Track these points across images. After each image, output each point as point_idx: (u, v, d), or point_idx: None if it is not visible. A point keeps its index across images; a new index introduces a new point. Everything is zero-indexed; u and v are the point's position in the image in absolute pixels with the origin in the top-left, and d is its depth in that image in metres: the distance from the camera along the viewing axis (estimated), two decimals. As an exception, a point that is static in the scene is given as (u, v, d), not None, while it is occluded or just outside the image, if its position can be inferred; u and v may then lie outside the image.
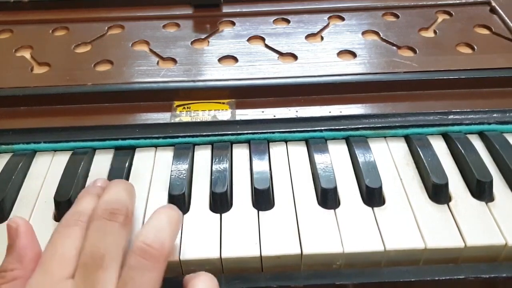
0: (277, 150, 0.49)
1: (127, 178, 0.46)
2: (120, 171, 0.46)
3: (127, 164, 0.47)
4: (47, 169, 0.48)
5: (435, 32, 0.63)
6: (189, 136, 0.49)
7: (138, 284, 0.33)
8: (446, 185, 0.43)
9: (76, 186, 0.44)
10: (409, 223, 0.41)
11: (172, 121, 0.51)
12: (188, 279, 0.36)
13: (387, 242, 0.40)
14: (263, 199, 0.43)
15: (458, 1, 0.68)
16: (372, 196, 0.43)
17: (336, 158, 0.47)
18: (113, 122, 0.51)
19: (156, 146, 0.49)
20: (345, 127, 0.50)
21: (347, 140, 0.49)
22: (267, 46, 0.61)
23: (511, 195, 0.44)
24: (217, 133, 0.49)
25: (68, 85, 0.55)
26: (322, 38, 0.62)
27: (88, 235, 0.35)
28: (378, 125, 0.50)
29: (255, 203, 0.43)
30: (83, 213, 0.37)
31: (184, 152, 0.48)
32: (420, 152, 0.47)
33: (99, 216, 0.36)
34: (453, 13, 0.66)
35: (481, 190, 0.43)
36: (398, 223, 0.41)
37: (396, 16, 0.66)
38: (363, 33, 0.63)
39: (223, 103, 0.53)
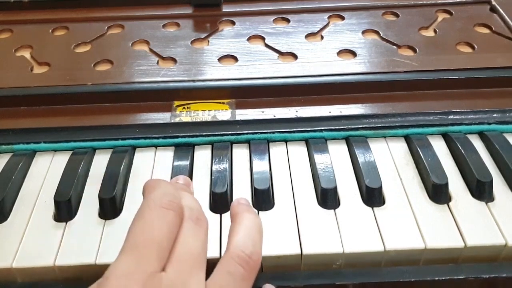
0: (277, 150, 0.49)
1: (127, 178, 0.46)
2: (119, 171, 0.46)
3: (127, 164, 0.47)
4: (47, 169, 0.48)
5: (435, 31, 0.63)
6: (189, 136, 0.49)
7: None
8: (446, 185, 0.43)
9: (76, 186, 0.44)
10: (409, 223, 0.41)
11: (172, 121, 0.51)
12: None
13: (387, 242, 0.40)
14: (263, 199, 0.43)
15: (458, 0, 0.68)
16: (372, 196, 0.43)
17: (336, 158, 0.47)
18: (113, 122, 0.51)
19: (156, 146, 0.49)
20: (345, 127, 0.50)
21: (347, 140, 0.49)
22: (267, 45, 0.61)
23: (511, 195, 0.44)
24: (217, 133, 0.49)
25: (68, 85, 0.55)
26: (322, 37, 0.62)
27: (182, 231, 0.33)
28: (378, 125, 0.50)
29: (255, 203, 0.43)
30: (173, 195, 0.35)
31: (184, 152, 0.48)
32: (420, 152, 0.47)
33: (188, 217, 0.35)
34: (453, 12, 0.66)
35: (481, 190, 0.43)
36: (398, 223, 0.41)
37: (396, 15, 0.66)
38: (363, 32, 0.63)
39: (223, 103, 0.53)
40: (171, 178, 0.45)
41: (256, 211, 0.38)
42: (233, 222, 0.36)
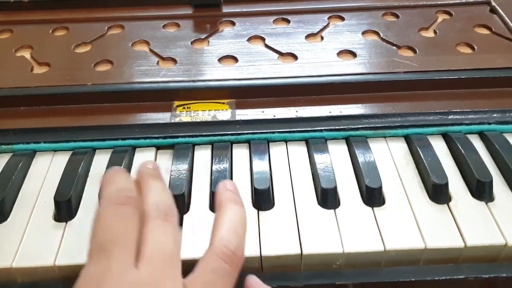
0: (277, 150, 0.49)
1: (127, 178, 0.46)
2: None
3: (127, 164, 0.47)
4: (47, 169, 0.48)
5: (435, 32, 0.63)
6: (189, 136, 0.49)
7: None
8: (446, 185, 0.43)
9: (76, 186, 0.44)
10: (409, 223, 0.41)
11: (172, 121, 0.51)
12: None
13: (387, 242, 0.40)
14: (263, 199, 0.43)
15: (458, 1, 0.68)
16: (372, 196, 0.43)
17: (336, 158, 0.47)
18: (113, 122, 0.51)
19: (156, 146, 0.49)
20: (345, 127, 0.50)
21: (347, 140, 0.49)
22: (267, 46, 0.61)
23: (511, 195, 0.44)
24: (217, 133, 0.49)
25: (68, 85, 0.55)
26: (322, 38, 0.62)
27: (147, 230, 0.32)
28: (378, 125, 0.50)
29: (255, 203, 0.43)
30: (129, 189, 0.34)
31: (184, 152, 0.48)
32: (420, 152, 0.47)
33: (155, 216, 0.33)
34: (453, 13, 0.66)
35: (481, 190, 0.43)
36: (398, 223, 0.41)
37: (396, 16, 0.66)
38: (363, 33, 0.63)
39: (223, 103, 0.53)
40: (171, 178, 0.45)
41: (241, 200, 0.37)
42: (218, 212, 0.35)
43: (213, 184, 0.44)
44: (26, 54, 0.61)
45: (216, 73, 0.56)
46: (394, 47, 0.60)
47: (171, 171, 0.45)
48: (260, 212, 0.43)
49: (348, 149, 0.49)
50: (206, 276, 0.32)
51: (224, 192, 0.37)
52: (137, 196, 0.34)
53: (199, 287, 0.31)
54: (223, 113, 0.52)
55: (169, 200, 0.35)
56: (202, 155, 0.48)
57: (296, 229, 0.41)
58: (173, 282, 0.30)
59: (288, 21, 0.66)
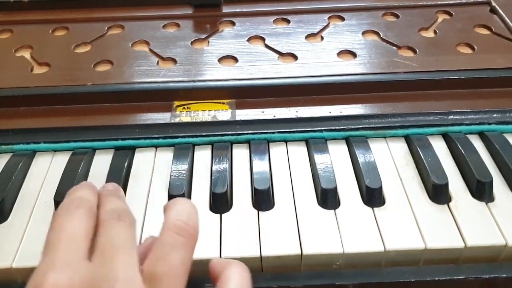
0: (277, 150, 0.49)
1: (127, 178, 0.46)
2: (120, 171, 0.46)
3: (126, 164, 0.47)
4: (47, 169, 0.48)
5: (435, 32, 0.63)
6: (189, 136, 0.49)
7: (174, 262, 0.31)
8: (446, 185, 0.43)
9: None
10: (409, 223, 0.41)
11: (172, 121, 0.51)
12: (218, 266, 0.35)
13: (387, 243, 0.40)
14: (263, 199, 0.43)
15: (458, 1, 0.68)
16: (372, 196, 0.43)
17: (336, 158, 0.47)
18: (113, 122, 0.51)
19: (156, 146, 0.49)
20: (345, 127, 0.50)
21: (347, 140, 0.49)
22: (267, 46, 0.61)
23: (511, 195, 0.44)
24: (217, 133, 0.49)
25: (68, 85, 0.55)
26: (322, 38, 0.62)
27: (101, 229, 0.33)
28: (378, 125, 0.50)
29: (255, 203, 0.43)
30: (83, 198, 0.35)
31: (184, 152, 0.48)
32: (420, 152, 0.47)
33: (108, 218, 0.34)
34: (453, 13, 0.66)
35: (481, 190, 0.43)
36: (398, 223, 0.41)
37: (396, 16, 0.66)
38: (363, 33, 0.63)
39: (223, 103, 0.53)
40: (171, 178, 0.45)
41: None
42: (166, 210, 0.35)
43: (213, 184, 0.44)
44: (26, 54, 0.61)
45: (216, 73, 0.56)
46: (394, 47, 0.60)
47: (171, 171, 0.45)
48: (260, 212, 0.43)
49: (348, 149, 0.49)
50: (160, 251, 0.32)
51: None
52: (92, 203, 0.35)
53: (154, 264, 0.31)
54: (223, 113, 0.52)
55: (124, 206, 0.36)
56: (202, 155, 0.48)
57: (296, 230, 0.41)
58: (126, 269, 0.30)
59: (288, 21, 0.66)
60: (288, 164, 0.47)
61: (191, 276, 0.40)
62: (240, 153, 0.48)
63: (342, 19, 0.66)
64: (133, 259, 0.31)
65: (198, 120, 0.51)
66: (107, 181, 0.45)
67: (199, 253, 0.39)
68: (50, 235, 0.32)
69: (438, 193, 0.43)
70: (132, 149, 0.49)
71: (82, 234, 0.32)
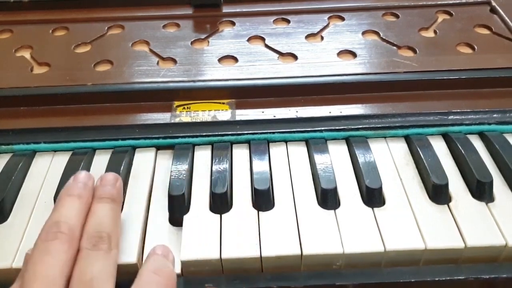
0: (277, 150, 0.49)
1: (127, 179, 0.46)
2: (119, 171, 0.46)
3: (127, 164, 0.47)
4: (47, 169, 0.48)
5: (435, 32, 0.63)
6: (189, 136, 0.49)
7: None
8: (446, 185, 0.43)
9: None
10: (409, 223, 0.41)
11: (172, 121, 0.51)
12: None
13: (387, 243, 0.40)
14: (263, 199, 0.43)
15: (458, 1, 0.68)
16: (372, 196, 0.43)
17: (336, 158, 0.47)
18: (113, 122, 0.51)
19: (156, 146, 0.49)
20: (345, 127, 0.50)
21: (347, 140, 0.49)
22: (267, 46, 0.61)
23: (511, 195, 0.44)
24: (217, 133, 0.49)
25: (68, 85, 0.55)
26: (322, 38, 0.62)
27: (77, 261, 0.35)
28: (378, 125, 0.50)
29: (255, 204, 0.43)
30: (63, 222, 0.36)
31: (184, 152, 0.48)
32: (420, 152, 0.47)
33: (83, 247, 0.36)
34: (453, 13, 0.66)
35: (481, 190, 0.43)
36: (398, 224, 0.41)
37: (396, 16, 0.66)
38: (363, 33, 0.63)
39: (223, 103, 0.53)
40: (171, 178, 0.45)
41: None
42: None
43: (213, 184, 0.44)
44: (26, 54, 0.61)
45: (216, 73, 0.56)
46: (394, 47, 0.60)
47: (171, 171, 0.45)
48: (260, 212, 0.43)
49: (348, 149, 0.49)
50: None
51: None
52: (72, 224, 0.36)
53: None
54: (223, 113, 0.52)
55: (105, 224, 0.37)
56: (202, 156, 0.48)
57: (296, 230, 0.41)
58: None
59: (288, 21, 0.66)
60: (288, 164, 0.47)
61: (191, 276, 0.40)
62: (240, 153, 0.48)
63: (342, 19, 0.66)
64: None
65: (198, 120, 0.51)
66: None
67: (200, 254, 0.39)
68: (27, 268, 0.34)
69: (438, 193, 0.43)
70: (132, 149, 0.49)
71: (55, 273, 0.33)
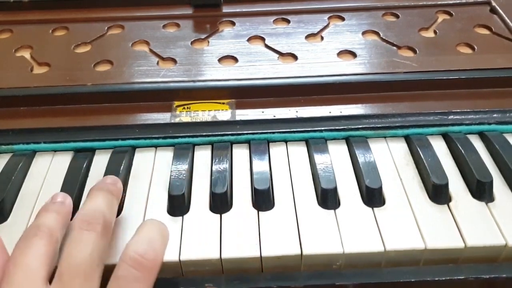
0: (277, 150, 0.49)
1: (127, 178, 0.46)
2: (119, 171, 0.46)
3: (127, 164, 0.47)
4: (47, 169, 0.48)
5: (435, 32, 0.63)
6: (189, 136, 0.49)
7: None
8: (446, 185, 0.43)
9: (80, 186, 0.45)
10: (409, 223, 0.41)
11: (172, 121, 0.51)
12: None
13: (387, 243, 0.40)
14: (263, 199, 0.43)
15: (458, 1, 0.68)
16: (372, 196, 0.43)
17: (336, 158, 0.47)
18: (113, 122, 0.51)
19: (156, 146, 0.49)
20: (345, 127, 0.50)
21: (347, 140, 0.49)
22: (267, 46, 0.61)
23: (511, 195, 0.44)
24: (217, 133, 0.49)
25: (68, 85, 0.55)
26: (322, 38, 0.62)
27: (64, 245, 0.35)
28: (378, 125, 0.50)
29: (255, 204, 0.43)
30: (42, 225, 0.36)
31: (184, 152, 0.48)
32: (420, 152, 0.47)
33: (76, 226, 0.35)
34: (453, 13, 0.66)
35: (481, 190, 0.43)
36: (398, 224, 0.41)
37: (396, 16, 0.66)
38: (363, 33, 0.63)
39: (223, 103, 0.53)
40: (171, 178, 0.45)
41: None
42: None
43: (213, 184, 0.44)
44: (26, 54, 0.61)
45: (216, 73, 0.56)
46: (394, 47, 0.60)
47: (171, 171, 0.45)
48: (260, 212, 0.43)
49: (348, 149, 0.49)
50: (113, 284, 0.32)
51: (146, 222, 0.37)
52: (51, 227, 0.35)
53: None
54: (223, 113, 0.52)
55: (101, 208, 0.37)
56: (202, 155, 0.48)
57: (296, 230, 0.41)
58: None
59: (288, 21, 0.66)
60: (288, 164, 0.47)
61: (191, 276, 0.40)
62: (240, 153, 0.48)
63: (342, 19, 0.66)
64: (93, 281, 0.32)
65: (198, 120, 0.51)
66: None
67: (200, 254, 0.39)
68: (7, 264, 0.33)
69: (438, 193, 0.43)
70: (132, 149, 0.49)
71: (37, 263, 0.33)
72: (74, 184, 0.45)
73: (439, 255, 0.40)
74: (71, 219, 0.37)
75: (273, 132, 0.49)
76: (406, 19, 0.65)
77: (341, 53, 0.59)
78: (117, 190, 0.41)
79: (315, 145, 0.48)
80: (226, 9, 0.68)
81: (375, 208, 0.43)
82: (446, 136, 0.49)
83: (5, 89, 0.54)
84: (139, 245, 0.34)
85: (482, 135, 0.50)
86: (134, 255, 0.33)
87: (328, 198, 0.43)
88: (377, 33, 0.63)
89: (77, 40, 0.63)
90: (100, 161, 0.48)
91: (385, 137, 0.50)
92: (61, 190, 0.44)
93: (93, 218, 0.36)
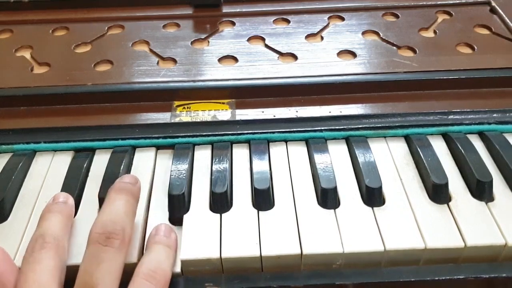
0: (277, 150, 0.49)
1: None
2: (119, 171, 0.46)
3: (127, 164, 0.47)
4: (47, 169, 0.48)
5: (435, 32, 0.63)
6: (189, 136, 0.49)
7: None
8: (446, 185, 0.43)
9: (80, 186, 0.45)
10: (409, 223, 0.41)
11: (172, 121, 0.51)
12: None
13: (387, 242, 0.40)
14: (263, 199, 0.43)
15: (458, 1, 0.68)
16: (372, 196, 0.43)
17: (336, 158, 0.47)
18: (113, 122, 0.51)
19: (156, 146, 0.49)
20: (345, 127, 0.50)
21: (347, 140, 0.49)
22: (267, 46, 0.61)
23: (511, 195, 0.44)
24: (217, 133, 0.49)
25: (68, 85, 0.55)
26: (322, 38, 0.62)
27: (82, 261, 0.35)
28: (378, 125, 0.50)
29: (255, 203, 0.43)
30: (46, 233, 0.36)
31: (184, 152, 0.48)
32: (420, 152, 0.47)
33: (94, 240, 0.36)
34: (453, 13, 0.66)
35: (481, 190, 0.43)
36: (398, 223, 0.41)
37: (396, 16, 0.66)
38: (363, 33, 0.63)
39: (223, 103, 0.53)
40: (171, 178, 0.45)
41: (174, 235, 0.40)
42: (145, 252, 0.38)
43: (213, 184, 0.44)
44: (26, 54, 0.61)
45: (216, 73, 0.56)
46: (394, 47, 0.60)
47: (171, 171, 0.45)
48: (260, 212, 0.43)
49: (348, 149, 0.49)
50: None
51: (155, 235, 0.39)
52: (57, 235, 0.37)
53: None
54: (223, 113, 0.52)
55: (120, 219, 0.37)
56: (202, 155, 0.48)
57: (296, 229, 0.41)
58: None
59: (288, 21, 0.66)
60: (288, 164, 0.47)
61: (191, 276, 0.40)
62: (240, 153, 0.48)
63: (342, 19, 0.66)
64: None
65: (198, 120, 0.51)
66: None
67: (200, 253, 0.39)
68: (18, 281, 0.34)
69: (438, 193, 0.43)
70: (132, 149, 0.49)
71: (47, 278, 0.34)
72: (74, 184, 0.45)
73: (439, 255, 0.40)
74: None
75: (273, 132, 0.49)
76: (406, 19, 0.65)
77: (341, 53, 0.59)
78: (137, 190, 0.41)
79: (315, 145, 0.48)
80: (226, 9, 0.68)
81: (375, 208, 0.43)
82: (446, 136, 0.49)
83: (5, 89, 0.54)
84: (151, 263, 0.36)
85: (482, 135, 0.50)
86: (147, 271, 0.35)
87: (328, 197, 0.43)
88: (377, 33, 0.63)
89: (77, 40, 0.63)
90: (100, 161, 0.48)
91: (385, 137, 0.50)
92: (61, 190, 0.44)
93: (112, 232, 0.36)
